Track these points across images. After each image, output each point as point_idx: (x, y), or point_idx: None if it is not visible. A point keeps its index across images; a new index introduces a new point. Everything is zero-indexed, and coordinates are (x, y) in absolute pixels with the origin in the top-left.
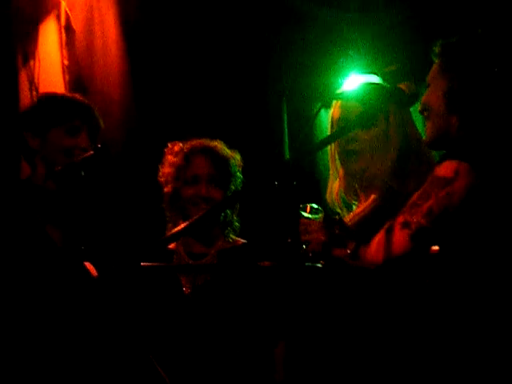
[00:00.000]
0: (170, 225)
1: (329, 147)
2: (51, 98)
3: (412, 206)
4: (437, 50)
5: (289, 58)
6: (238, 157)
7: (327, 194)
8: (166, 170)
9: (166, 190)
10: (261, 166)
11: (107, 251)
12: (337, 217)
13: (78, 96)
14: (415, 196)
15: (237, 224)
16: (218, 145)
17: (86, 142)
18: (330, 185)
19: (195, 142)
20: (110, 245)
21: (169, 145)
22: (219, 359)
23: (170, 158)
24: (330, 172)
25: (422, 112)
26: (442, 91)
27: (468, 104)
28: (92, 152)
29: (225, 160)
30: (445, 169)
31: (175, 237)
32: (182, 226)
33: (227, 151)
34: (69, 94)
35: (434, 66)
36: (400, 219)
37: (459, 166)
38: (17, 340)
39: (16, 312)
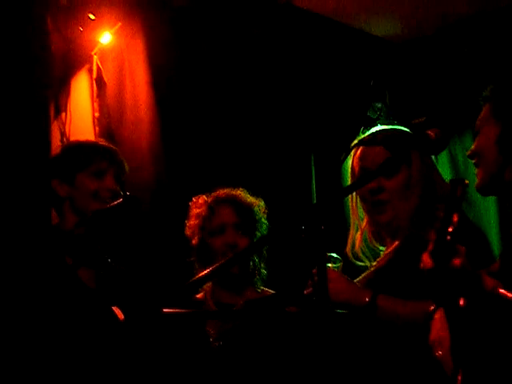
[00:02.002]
0: None
1: (349, 200)
2: (75, 145)
3: None
4: (486, 94)
5: (317, 109)
6: (262, 204)
7: (348, 247)
8: (191, 222)
9: (193, 242)
10: (288, 212)
11: (133, 297)
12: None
13: (101, 141)
14: None
15: (264, 271)
16: (241, 193)
17: (112, 183)
18: (350, 237)
19: (219, 193)
20: (136, 290)
21: (193, 198)
22: None
23: (194, 210)
24: (351, 224)
25: (471, 158)
26: (494, 137)
27: None
28: (121, 200)
29: (249, 207)
30: None
31: (199, 282)
32: (206, 271)
33: (251, 198)
34: (91, 140)
35: (484, 111)
36: None
37: None
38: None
39: (47, 353)
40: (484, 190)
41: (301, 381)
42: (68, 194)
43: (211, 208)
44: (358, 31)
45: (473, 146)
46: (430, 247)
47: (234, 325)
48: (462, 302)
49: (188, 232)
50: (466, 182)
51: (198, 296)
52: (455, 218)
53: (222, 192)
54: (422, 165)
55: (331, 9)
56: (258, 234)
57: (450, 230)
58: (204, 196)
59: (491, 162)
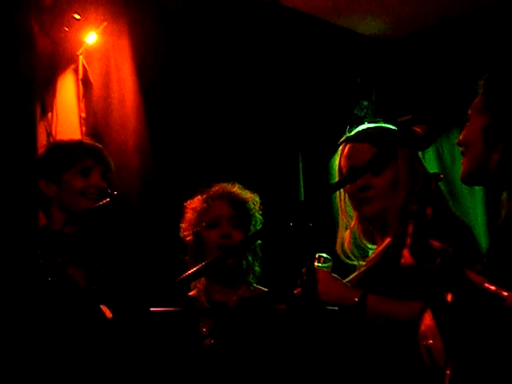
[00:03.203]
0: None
1: (337, 198)
2: (59, 145)
3: None
4: (481, 82)
5: (304, 107)
6: (257, 199)
7: (337, 245)
8: (187, 216)
9: (188, 238)
10: (277, 210)
11: (121, 295)
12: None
13: (85, 139)
14: None
15: (257, 269)
16: (237, 188)
17: (99, 180)
18: (339, 236)
19: (214, 187)
20: (124, 289)
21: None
22: None
23: (191, 205)
24: (340, 222)
25: (459, 145)
26: (482, 127)
27: (509, 141)
28: (108, 199)
29: (244, 202)
30: None
31: (191, 277)
32: (198, 266)
33: (246, 193)
34: (76, 139)
35: (477, 100)
36: None
37: None
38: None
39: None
40: (468, 179)
41: (292, 379)
42: (55, 194)
43: (207, 202)
44: (344, 30)
45: (461, 135)
46: (408, 242)
47: (226, 322)
48: (449, 298)
49: (183, 227)
50: (441, 176)
51: (191, 294)
52: (429, 211)
53: (218, 187)
54: (408, 161)
55: (317, 7)
56: (253, 229)
57: (424, 222)
58: (199, 195)
59: (476, 152)
